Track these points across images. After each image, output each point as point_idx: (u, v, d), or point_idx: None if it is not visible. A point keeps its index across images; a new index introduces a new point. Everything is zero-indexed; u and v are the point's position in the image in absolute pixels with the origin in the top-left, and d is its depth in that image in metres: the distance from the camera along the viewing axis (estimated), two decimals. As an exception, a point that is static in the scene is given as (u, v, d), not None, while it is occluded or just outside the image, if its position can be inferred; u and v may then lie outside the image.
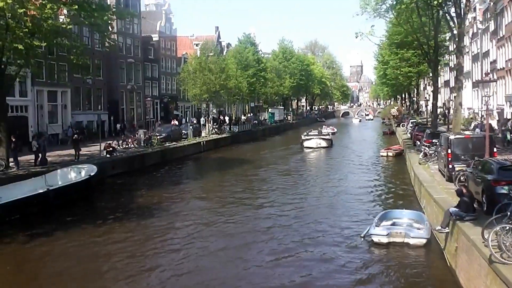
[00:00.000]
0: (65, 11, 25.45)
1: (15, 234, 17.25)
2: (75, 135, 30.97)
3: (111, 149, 31.66)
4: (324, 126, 65.13)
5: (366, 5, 28.82)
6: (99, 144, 32.30)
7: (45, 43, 24.28)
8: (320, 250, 15.20)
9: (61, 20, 25.12)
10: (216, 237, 16.77)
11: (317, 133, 50.38)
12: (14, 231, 17.53)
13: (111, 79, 49.73)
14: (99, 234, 17.28)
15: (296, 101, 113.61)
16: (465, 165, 17.60)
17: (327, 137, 50.33)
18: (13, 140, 25.22)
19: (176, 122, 50.33)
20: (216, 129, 53.56)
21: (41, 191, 20.80)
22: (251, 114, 76.67)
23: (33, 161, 26.45)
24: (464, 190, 13.57)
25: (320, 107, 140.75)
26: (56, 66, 38.73)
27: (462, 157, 18.44)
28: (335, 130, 67.78)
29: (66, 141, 31.79)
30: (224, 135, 53.08)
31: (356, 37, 28.44)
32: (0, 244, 16.11)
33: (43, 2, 21.91)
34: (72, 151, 29.71)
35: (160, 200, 23.56)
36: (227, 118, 61.85)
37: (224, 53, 70.68)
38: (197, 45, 67.64)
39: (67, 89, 41.80)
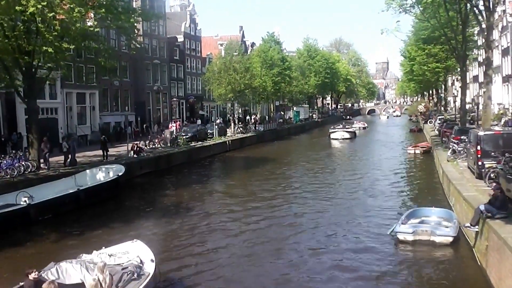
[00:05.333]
0: (92, 15, 25.93)
1: (48, 233, 17.73)
2: (103, 136, 31.54)
3: (138, 149, 32.13)
4: (355, 122, 75.92)
5: (392, 0, 28.52)
6: (126, 144, 32.85)
7: (74, 46, 24.84)
8: (345, 245, 15.18)
9: (88, 24, 25.60)
10: (245, 235, 16.85)
11: (341, 127, 59.66)
12: (46, 230, 18.02)
13: (137, 80, 50.49)
14: (128, 233, 17.50)
15: (321, 99, 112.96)
16: (495, 162, 17.19)
17: (351, 130, 58.90)
18: (44, 141, 25.83)
19: (174, 125, 45.98)
20: (241, 128, 53.77)
21: (72, 191, 21.32)
22: (279, 113, 76.63)
23: (63, 162, 27.08)
24: (501, 187, 13.28)
25: (345, 104, 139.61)
26: (85, 68, 39.58)
27: (492, 153, 17.91)
28: (366, 125, 76.89)
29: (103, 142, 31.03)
30: (249, 134, 53.25)
31: (382, 34, 28.32)
32: (34, 243, 16.59)
33: (72, 6, 22.39)
34: (100, 152, 30.30)
35: (187, 199, 23.81)
36: (251, 118, 61.99)
37: (249, 53, 70.84)
38: (221, 45, 67.94)
39: (95, 91, 42.63)
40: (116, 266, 10.69)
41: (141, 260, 11.18)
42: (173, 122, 47.02)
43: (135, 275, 10.40)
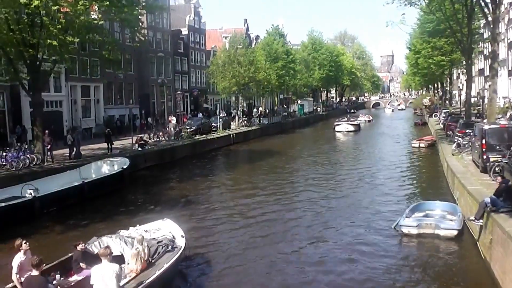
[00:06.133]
0: (96, 7, 25.93)
1: (53, 225, 17.83)
2: (107, 129, 31.66)
3: (142, 142, 32.21)
4: (360, 115, 77.90)
5: (397, -7, 28.35)
6: (131, 137, 32.90)
7: (78, 39, 24.84)
8: (348, 238, 15.22)
9: (93, 16, 25.58)
10: (248, 228, 16.87)
11: (346, 120, 61.27)
12: (51, 222, 18.12)
13: (142, 73, 50.47)
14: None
15: (325, 92, 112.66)
16: (500, 156, 17.15)
17: (355, 123, 60.10)
18: (46, 134, 25.87)
19: (174, 119, 44.36)
20: (245, 122, 53.74)
21: (76, 183, 21.42)
22: (280, 106, 76.53)
23: (68, 154, 27.17)
24: (507, 180, 13.24)
25: (349, 98, 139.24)
26: (89, 61, 39.60)
27: (497, 147, 17.90)
28: (371, 118, 78.62)
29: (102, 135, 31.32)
30: (253, 128, 53.23)
31: (387, 26, 28.32)
32: (39, 235, 16.63)
33: (76, -1, 22.39)
34: (105, 145, 30.39)
35: (191, 192, 23.86)
36: (255, 111, 61.92)
37: (253, 46, 70.61)
38: (226, 38, 67.74)
39: (99, 84, 42.69)
40: (152, 240, 11.96)
41: (173, 235, 12.55)
42: (172, 115, 46.95)
43: (169, 247, 11.77)
